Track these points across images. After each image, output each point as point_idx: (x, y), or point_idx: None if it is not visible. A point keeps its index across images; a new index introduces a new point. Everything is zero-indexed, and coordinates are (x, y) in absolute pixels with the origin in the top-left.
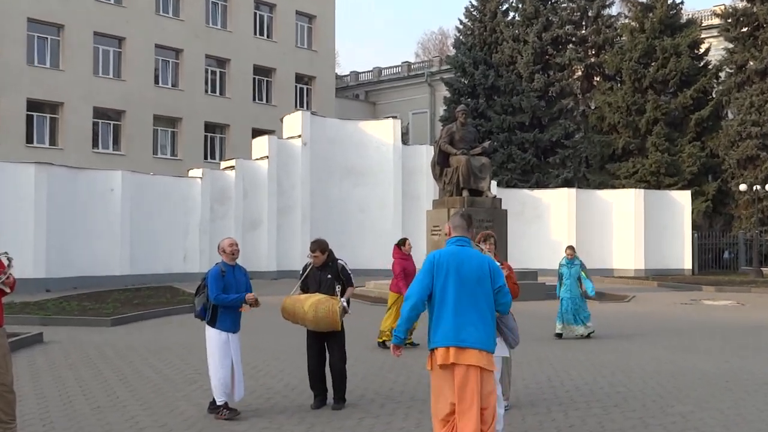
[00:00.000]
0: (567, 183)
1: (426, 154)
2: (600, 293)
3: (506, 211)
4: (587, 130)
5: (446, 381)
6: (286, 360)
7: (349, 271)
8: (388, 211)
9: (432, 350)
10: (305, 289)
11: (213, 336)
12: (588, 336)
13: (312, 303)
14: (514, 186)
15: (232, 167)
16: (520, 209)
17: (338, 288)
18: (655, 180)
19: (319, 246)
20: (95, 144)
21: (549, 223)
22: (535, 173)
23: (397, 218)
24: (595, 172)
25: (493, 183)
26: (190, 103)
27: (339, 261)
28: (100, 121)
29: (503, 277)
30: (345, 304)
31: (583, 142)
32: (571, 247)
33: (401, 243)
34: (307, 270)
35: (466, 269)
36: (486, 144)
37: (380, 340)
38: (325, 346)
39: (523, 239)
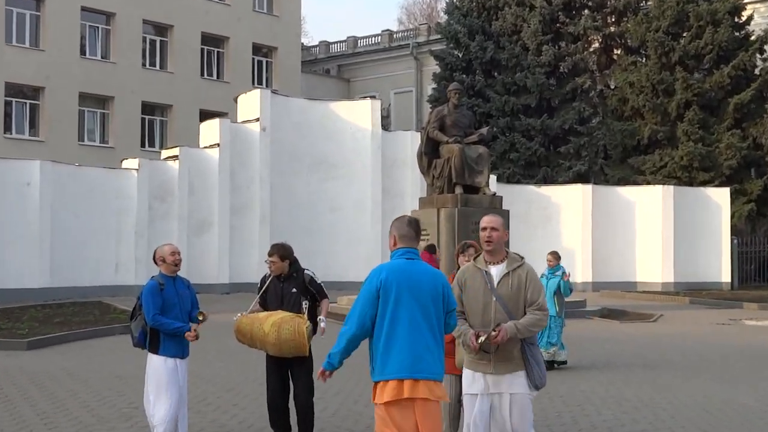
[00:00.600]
0: (581, 178)
1: (411, 142)
2: (621, 311)
3: (508, 211)
4: (605, 115)
5: (404, 418)
6: (241, 392)
7: (320, 282)
8: (366, 212)
9: (378, 382)
10: (265, 305)
11: (158, 365)
12: (553, 365)
13: (274, 322)
14: (518, 181)
15: (175, 157)
16: (524, 209)
17: (305, 304)
18: (687, 175)
19: (278, 250)
20: (7, 128)
21: (559, 227)
22: (543, 166)
23: (377, 220)
24: (615, 165)
25: (493, 177)
26: (124, 79)
27: (306, 271)
28: (13, 99)
29: (455, 299)
30: (322, 323)
31: (600, 129)
32: (553, 253)
33: (432, 249)
34: (267, 282)
35: (420, 288)
36: (484, 130)
37: None
38: (289, 375)
39: (528, 246)
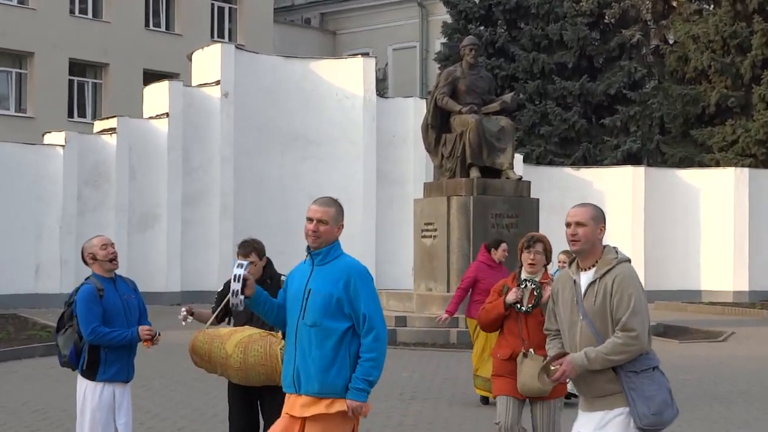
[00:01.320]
0: (631, 158)
1: (414, 112)
2: (681, 328)
3: (538, 201)
4: (662, 78)
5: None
6: (197, 430)
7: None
8: (356, 202)
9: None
10: (228, 319)
11: (90, 393)
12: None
13: (239, 342)
14: (550, 162)
15: (111, 130)
16: (558, 198)
17: None
18: (765, 153)
19: (256, 248)
20: None
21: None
22: (583, 143)
23: (369, 211)
24: (674, 141)
25: (518, 157)
26: (47, 31)
27: (283, 277)
28: None
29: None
30: None
31: (655, 96)
32: (566, 253)
33: (494, 245)
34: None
35: None
36: (507, 97)
37: (482, 394)
38: (258, 409)
39: (563, 244)
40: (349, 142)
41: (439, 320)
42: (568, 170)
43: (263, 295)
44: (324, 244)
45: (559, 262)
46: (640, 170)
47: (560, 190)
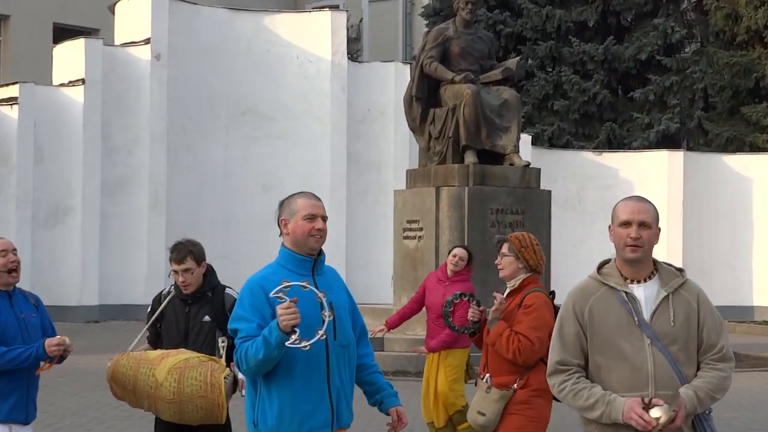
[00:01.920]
0: (667, 140)
1: (396, 80)
2: None
3: (549, 193)
4: (706, 40)
5: None
6: None
7: None
8: (321, 192)
9: None
10: (157, 341)
11: None
12: None
13: (173, 368)
14: (566, 145)
15: (12, 100)
16: (576, 190)
17: (223, 342)
18: None
19: (192, 252)
20: None
21: None
22: (607, 121)
23: (338, 205)
24: (720, 119)
25: (526, 138)
26: None
27: (228, 290)
28: None
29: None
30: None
31: (698, 63)
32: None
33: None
34: (164, 303)
35: None
36: (512, 63)
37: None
38: None
39: (581, 247)
40: (312, 118)
41: (416, 351)
42: (588, 155)
43: None
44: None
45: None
46: (678, 155)
47: (578, 180)
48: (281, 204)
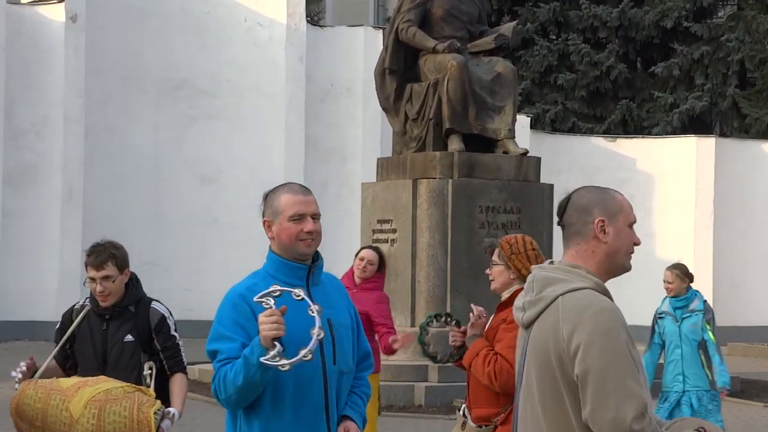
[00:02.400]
0: (696, 123)
1: (365, 49)
2: (754, 382)
3: (551, 187)
4: (743, 2)
5: None
6: None
7: (175, 331)
8: (273, 184)
9: None
10: (68, 366)
11: None
12: None
13: (91, 400)
14: (572, 129)
15: None
16: (583, 184)
17: (150, 368)
18: None
19: (114, 256)
20: None
21: (651, 219)
22: (623, 100)
23: None
24: (759, 98)
25: (523, 121)
26: None
27: (154, 304)
28: None
29: None
30: (174, 410)
31: (733, 30)
32: (679, 268)
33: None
34: (77, 320)
35: None
36: (507, 28)
37: None
38: None
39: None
40: (263, 95)
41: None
42: (599, 141)
43: None
44: (316, 252)
45: (667, 284)
46: (708, 142)
47: (586, 172)
48: (264, 199)
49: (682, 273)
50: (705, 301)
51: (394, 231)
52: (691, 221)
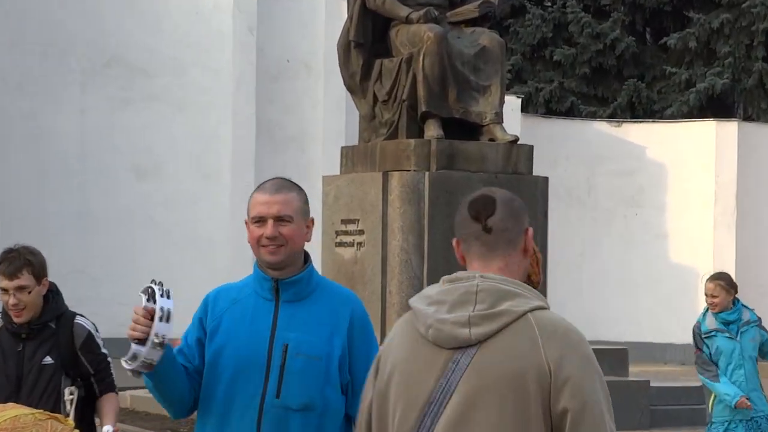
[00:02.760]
0: (715, 105)
1: (326, 19)
2: None
3: (546, 180)
4: None
5: None
6: None
7: (103, 349)
8: (220, 177)
9: None
10: None
11: None
12: None
13: None
14: (570, 112)
15: None
16: (584, 176)
17: (71, 393)
18: None
19: (30, 263)
20: None
21: (665, 216)
22: (630, 79)
23: (245, 195)
24: None
25: (513, 102)
26: None
27: (78, 319)
28: None
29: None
30: (109, 427)
31: None
32: (723, 278)
33: None
34: None
35: None
36: None
37: None
38: None
39: (592, 256)
40: (206, 72)
41: None
42: (603, 126)
43: (172, 353)
44: (289, 261)
45: (711, 298)
46: (730, 127)
47: (587, 163)
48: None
49: (726, 284)
50: (753, 309)
51: (360, 233)
52: (710, 220)
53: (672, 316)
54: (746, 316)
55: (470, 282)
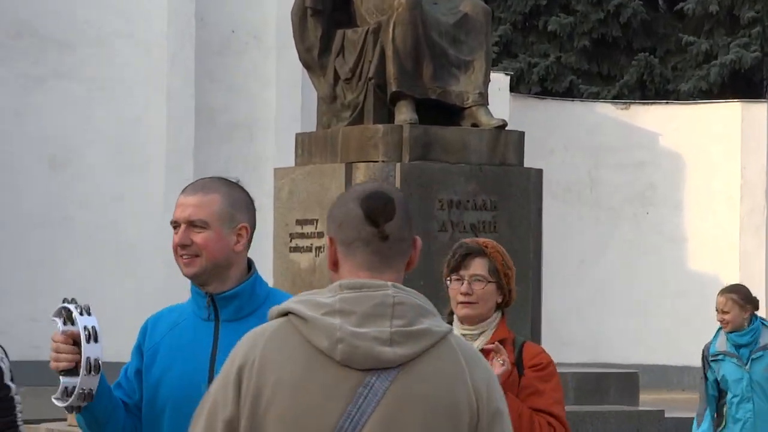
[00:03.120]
0: (740, 82)
1: None
2: None
3: (540, 173)
4: None
5: None
6: None
7: (11, 381)
8: (152, 169)
9: None
10: None
11: None
12: None
13: None
14: (569, 92)
15: None
16: (585, 168)
17: None
18: None
19: None
20: None
21: (683, 215)
22: (640, 53)
23: (178, 194)
24: None
25: (501, 81)
26: None
27: None
28: None
29: None
30: None
31: None
32: (736, 292)
33: None
34: None
35: None
36: None
37: None
38: None
39: (594, 263)
40: (136, 46)
41: None
42: (607, 109)
43: (106, 383)
44: (210, 274)
45: (722, 313)
46: (759, 109)
47: (589, 152)
48: None
49: (740, 298)
50: None
51: (320, 235)
52: (735, 221)
53: (689, 335)
54: (766, 338)
55: (383, 291)
